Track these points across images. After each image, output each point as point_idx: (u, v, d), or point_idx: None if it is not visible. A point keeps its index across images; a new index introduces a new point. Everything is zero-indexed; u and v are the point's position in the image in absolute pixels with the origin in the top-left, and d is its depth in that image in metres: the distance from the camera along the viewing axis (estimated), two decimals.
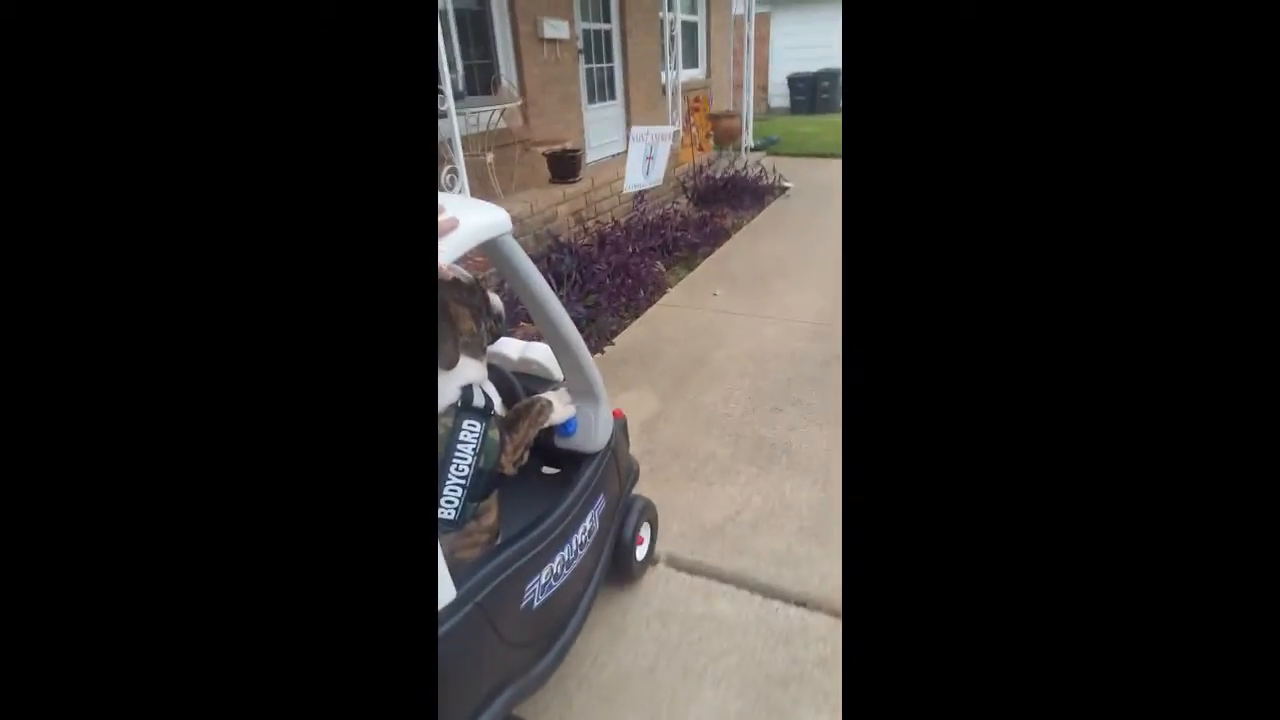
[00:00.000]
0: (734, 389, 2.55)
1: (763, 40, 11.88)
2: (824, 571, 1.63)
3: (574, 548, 1.24)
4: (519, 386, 1.39)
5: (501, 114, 4.14)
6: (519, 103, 4.49)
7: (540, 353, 1.45)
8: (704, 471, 2.07)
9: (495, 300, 1.25)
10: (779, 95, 12.71)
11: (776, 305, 3.38)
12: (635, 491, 1.59)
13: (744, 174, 5.75)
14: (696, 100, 5.47)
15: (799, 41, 12.26)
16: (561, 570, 1.20)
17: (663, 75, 7.40)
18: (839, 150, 6.07)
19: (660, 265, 3.84)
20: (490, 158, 4.08)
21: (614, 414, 1.43)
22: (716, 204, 5.43)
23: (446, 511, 1.03)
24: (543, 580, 1.15)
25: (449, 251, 0.89)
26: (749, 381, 2.62)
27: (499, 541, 1.15)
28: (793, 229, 4.81)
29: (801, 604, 1.56)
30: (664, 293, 3.62)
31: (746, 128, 7.28)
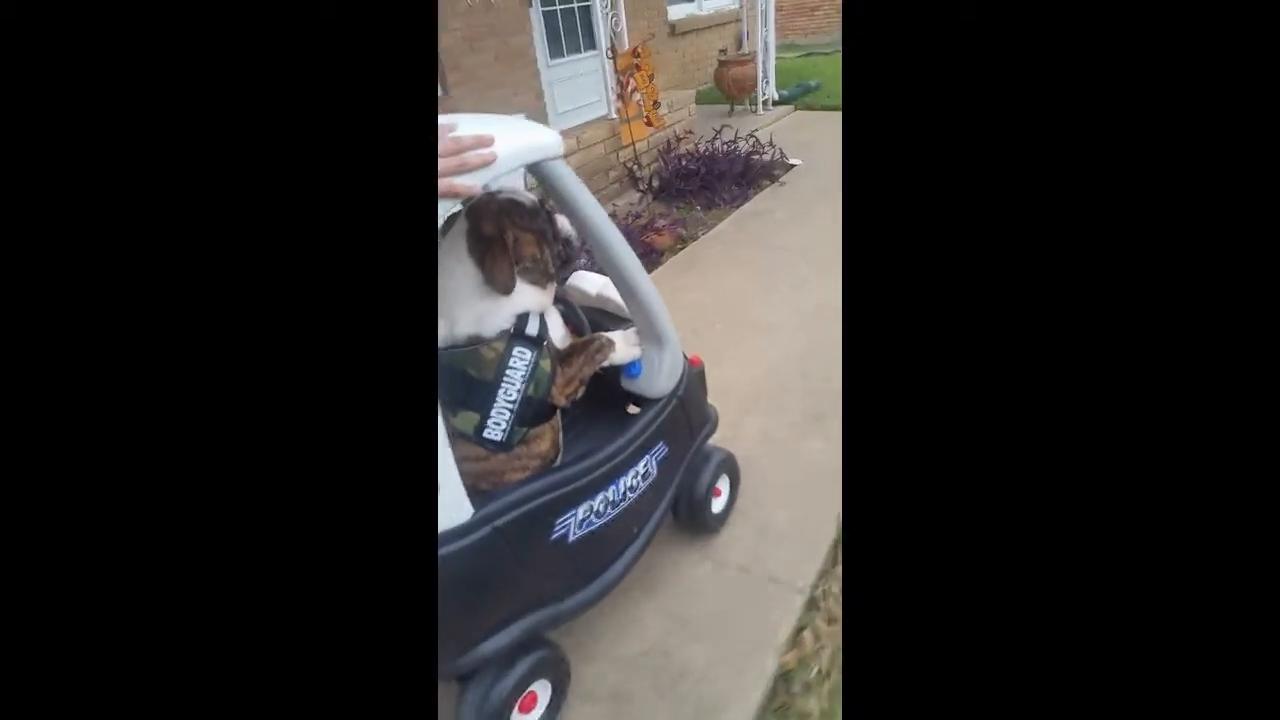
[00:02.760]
0: None
1: None
2: None
3: (621, 489, 1.21)
4: (586, 322, 1.31)
5: None
6: None
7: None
8: None
9: (563, 223, 1.18)
10: None
11: None
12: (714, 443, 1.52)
13: (733, 149, 4.06)
14: (635, 53, 3.75)
15: None
16: (605, 509, 1.18)
17: (670, 7, 5.66)
18: None
19: None
20: None
21: (691, 360, 1.38)
22: (685, 197, 3.83)
23: (494, 433, 1.06)
24: (579, 516, 1.14)
25: (484, 175, 0.87)
26: None
27: None
28: (759, 249, 3.15)
29: None
30: None
31: (766, 76, 5.42)
